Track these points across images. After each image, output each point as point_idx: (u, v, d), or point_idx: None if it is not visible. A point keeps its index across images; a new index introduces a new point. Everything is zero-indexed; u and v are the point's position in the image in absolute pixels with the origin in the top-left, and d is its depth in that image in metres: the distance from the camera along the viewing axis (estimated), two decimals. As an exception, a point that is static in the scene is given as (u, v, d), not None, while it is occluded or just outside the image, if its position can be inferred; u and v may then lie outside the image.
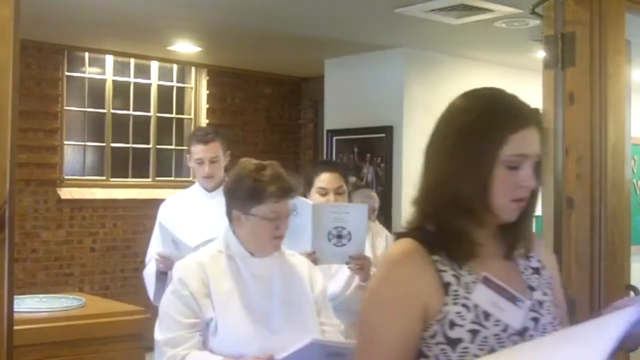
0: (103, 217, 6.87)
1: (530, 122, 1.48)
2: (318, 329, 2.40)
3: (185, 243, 3.14)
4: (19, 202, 6.11)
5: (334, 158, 6.71)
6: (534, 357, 1.30)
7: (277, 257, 2.43)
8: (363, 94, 6.59)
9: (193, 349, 2.25)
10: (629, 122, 2.78)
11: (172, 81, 7.53)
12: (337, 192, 3.16)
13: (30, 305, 3.38)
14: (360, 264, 3.00)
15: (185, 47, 6.58)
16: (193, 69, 7.59)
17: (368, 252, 3.13)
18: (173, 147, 7.47)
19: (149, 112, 7.36)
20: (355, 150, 6.64)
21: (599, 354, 1.16)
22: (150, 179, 7.34)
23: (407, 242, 1.49)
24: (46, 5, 5.03)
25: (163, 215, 3.59)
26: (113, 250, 6.89)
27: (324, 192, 3.14)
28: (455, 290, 1.44)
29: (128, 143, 7.23)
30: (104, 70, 7.10)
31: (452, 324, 1.42)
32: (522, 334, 1.45)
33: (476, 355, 1.40)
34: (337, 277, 3.08)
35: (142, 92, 7.32)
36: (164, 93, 7.46)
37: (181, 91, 7.63)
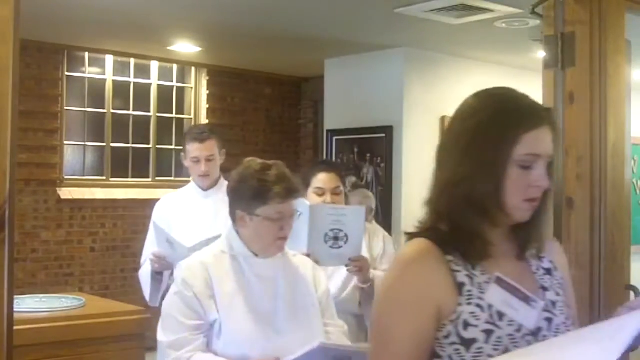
0: (103, 217, 6.87)
1: (543, 121, 1.48)
2: (323, 330, 2.39)
3: (181, 243, 3.12)
4: (19, 202, 6.11)
5: (334, 158, 6.71)
6: (548, 357, 1.30)
7: (281, 257, 2.41)
8: (363, 94, 6.59)
9: (197, 352, 2.23)
10: (629, 122, 2.78)
11: (172, 81, 7.53)
12: (334, 193, 3.15)
13: (30, 305, 3.38)
14: (358, 265, 2.99)
15: (185, 47, 6.58)
16: (193, 69, 7.59)
17: (365, 253, 3.12)
18: (173, 147, 7.47)
19: (149, 112, 7.36)
20: (355, 150, 6.64)
21: (613, 354, 1.16)
22: (150, 179, 7.34)
23: (420, 242, 1.49)
24: (46, 5, 5.03)
25: (158, 215, 3.57)
26: (113, 250, 6.89)
27: (321, 192, 3.14)
28: (469, 291, 1.44)
29: (128, 143, 7.23)
30: (104, 70, 7.10)
31: (466, 324, 1.41)
32: (535, 335, 1.45)
33: (490, 356, 1.39)
34: (334, 279, 3.07)
35: (142, 92, 7.32)
36: (164, 93, 7.46)
37: (181, 91, 7.63)
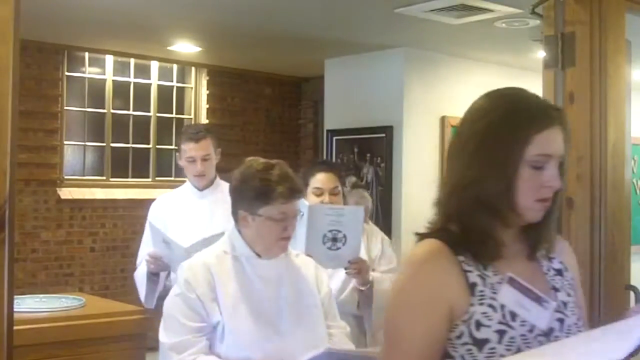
0: (103, 217, 6.87)
1: (554, 121, 1.48)
2: (325, 331, 2.36)
3: (178, 243, 3.10)
4: (19, 202, 6.12)
5: (334, 158, 6.71)
6: (560, 358, 1.31)
7: (284, 258, 2.38)
8: (363, 94, 6.59)
9: (200, 354, 2.20)
10: (629, 122, 2.78)
11: (172, 81, 7.53)
12: (332, 193, 3.14)
13: (30, 305, 3.37)
14: (357, 268, 2.98)
15: (185, 47, 6.58)
16: (193, 69, 7.59)
17: (363, 255, 3.10)
18: (173, 147, 7.45)
19: (149, 112, 7.36)
20: (355, 150, 6.64)
21: (621, 355, 1.17)
22: (150, 179, 7.34)
23: (431, 243, 1.49)
24: (46, 5, 5.03)
25: (153, 215, 3.56)
26: (113, 250, 6.89)
27: (319, 192, 3.13)
28: (482, 291, 1.44)
29: (128, 143, 7.23)
30: (104, 70, 7.09)
31: (479, 325, 1.41)
32: (548, 335, 1.45)
33: (502, 356, 1.39)
34: (333, 280, 3.04)
35: (142, 92, 7.32)
36: (164, 93, 7.46)
37: (181, 91, 7.63)
